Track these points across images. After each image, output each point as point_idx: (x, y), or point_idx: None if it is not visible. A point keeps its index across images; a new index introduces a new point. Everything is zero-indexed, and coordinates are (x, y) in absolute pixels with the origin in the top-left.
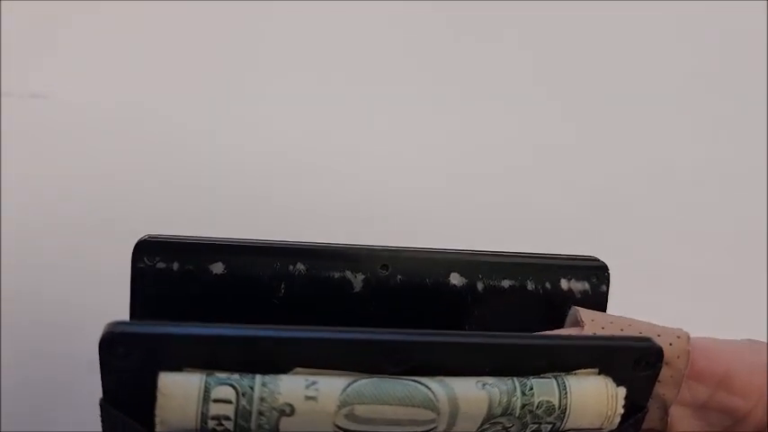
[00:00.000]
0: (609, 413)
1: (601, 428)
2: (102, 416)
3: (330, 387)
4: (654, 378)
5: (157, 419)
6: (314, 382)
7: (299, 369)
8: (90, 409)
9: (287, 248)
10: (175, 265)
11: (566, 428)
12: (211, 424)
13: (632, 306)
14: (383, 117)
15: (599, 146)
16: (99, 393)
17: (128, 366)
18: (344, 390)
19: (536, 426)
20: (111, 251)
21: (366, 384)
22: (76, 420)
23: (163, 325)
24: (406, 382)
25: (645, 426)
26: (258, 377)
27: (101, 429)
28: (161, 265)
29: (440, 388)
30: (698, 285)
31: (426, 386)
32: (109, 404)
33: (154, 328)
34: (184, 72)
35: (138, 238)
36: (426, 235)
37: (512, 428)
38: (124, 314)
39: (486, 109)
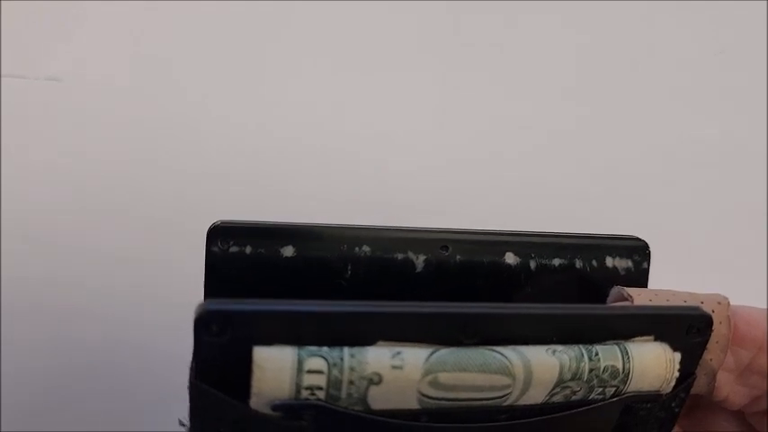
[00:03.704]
0: (667, 376)
1: (659, 391)
2: (191, 395)
3: (414, 357)
4: (704, 344)
5: (253, 391)
6: (399, 353)
7: (381, 342)
8: (100, 395)
9: (353, 231)
10: (248, 249)
11: (628, 390)
12: (305, 393)
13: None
14: (397, 99)
15: (620, 125)
16: (114, 379)
17: (221, 343)
18: (428, 359)
19: (601, 389)
20: (126, 236)
21: (447, 354)
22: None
23: (254, 302)
24: (483, 350)
25: (693, 391)
26: (346, 349)
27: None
28: (234, 249)
29: (514, 355)
30: (729, 263)
31: (502, 354)
32: (201, 382)
33: (246, 305)
34: (202, 55)
35: (153, 222)
36: (451, 218)
37: (579, 392)
38: (138, 300)
39: (504, 90)
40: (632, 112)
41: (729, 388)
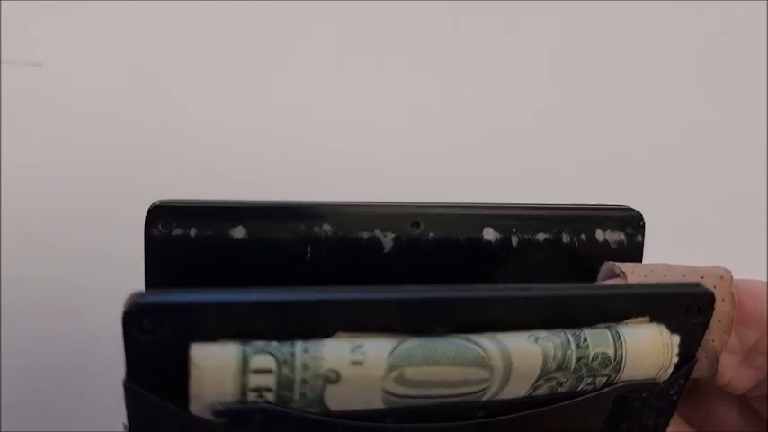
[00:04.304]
0: (665, 363)
1: (656, 379)
2: (126, 398)
3: (377, 350)
4: (705, 324)
5: (192, 395)
6: (359, 346)
7: (341, 333)
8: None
9: (312, 208)
10: (193, 232)
11: (620, 379)
12: (251, 396)
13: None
14: (396, 98)
15: (621, 121)
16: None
17: (155, 340)
18: (392, 352)
19: (591, 379)
20: (112, 232)
21: (414, 345)
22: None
23: (191, 292)
24: (456, 340)
25: (693, 376)
26: (299, 343)
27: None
28: (177, 231)
29: (491, 345)
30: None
31: (477, 344)
32: (134, 384)
33: (182, 296)
34: (194, 45)
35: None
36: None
37: (566, 384)
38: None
39: (503, 89)
40: (633, 106)
41: (733, 371)
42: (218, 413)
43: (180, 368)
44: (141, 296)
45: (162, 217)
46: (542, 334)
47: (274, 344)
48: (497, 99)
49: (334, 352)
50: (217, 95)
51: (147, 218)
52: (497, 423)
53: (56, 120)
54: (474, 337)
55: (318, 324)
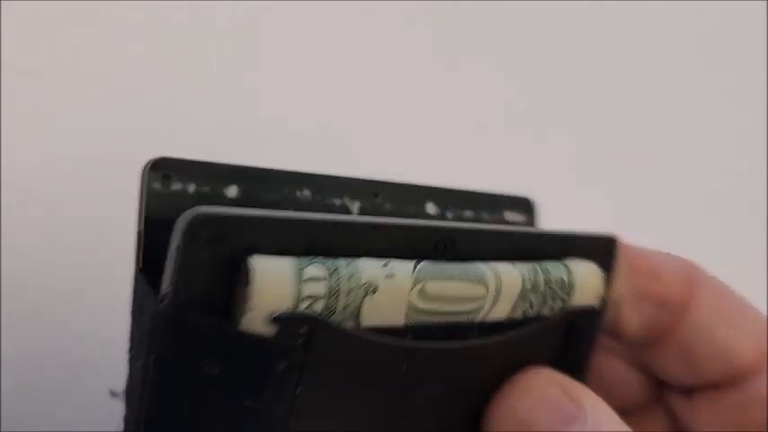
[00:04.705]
0: (600, 292)
1: (594, 308)
2: (160, 326)
3: (403, 266)
4: (613, 269)
5: (250, 306)
6: (387, 262)
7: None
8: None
9: (294, 175)
10: (191, 188)
11: (571, 304)
12: (303, 305)
13: None
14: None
15: (620, 122)
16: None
17: (210, 256)
18: (415, 267)
19: (552, 302)
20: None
21: (429, 263)
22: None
23: (246, 210)
24: (459, 263)
25: None
26: (340, 258)
27: None
28: (176, 186)
29: (485, 266)
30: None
31: (475, 264)
32: (179, 307)
33: (241, 210)
34: (183, 38)
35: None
36: None
37: (535, 306)
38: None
39: (502, 78)
40: (634, 108)
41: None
42: (276, 319)
43: (229, 286)
44: (202, 208)
45: (162, 171)
46: (517, 263)
47: (320, 257)
48: (495, 89)
49: (370, 266)
50: (210, 94)
51: (147, 171)
52: (487, 345)
53: (48, 122)
54: (470, 261)
55: (348, 247)
